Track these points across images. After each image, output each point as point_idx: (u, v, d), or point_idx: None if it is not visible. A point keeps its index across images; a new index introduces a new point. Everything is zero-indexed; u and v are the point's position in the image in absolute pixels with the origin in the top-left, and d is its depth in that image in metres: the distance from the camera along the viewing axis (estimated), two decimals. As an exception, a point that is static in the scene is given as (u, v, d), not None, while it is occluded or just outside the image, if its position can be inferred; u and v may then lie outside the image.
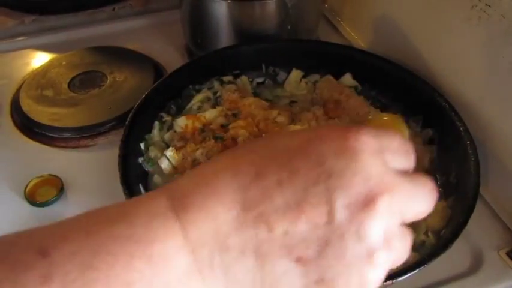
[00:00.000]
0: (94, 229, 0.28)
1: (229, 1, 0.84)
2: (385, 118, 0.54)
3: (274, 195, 0.28)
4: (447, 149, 0.70)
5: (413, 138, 0.74)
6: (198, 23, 0.92)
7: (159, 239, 0.27)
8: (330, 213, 0.27)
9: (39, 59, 1.01)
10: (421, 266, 0.53)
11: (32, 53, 1.03)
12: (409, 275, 0.53)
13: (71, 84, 0.91)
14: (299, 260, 0.27)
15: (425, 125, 0.75)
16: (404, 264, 0.56)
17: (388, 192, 0.28)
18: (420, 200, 0.32)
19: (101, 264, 0.26)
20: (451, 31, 0.73)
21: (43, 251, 0.26)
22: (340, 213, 0.27)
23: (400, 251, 0.30)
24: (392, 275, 0.54)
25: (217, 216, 0.27)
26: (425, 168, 0.71)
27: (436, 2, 0.74)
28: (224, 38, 0.89)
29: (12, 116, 0.88)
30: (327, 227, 0.27)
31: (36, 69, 0.96)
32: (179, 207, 0.28)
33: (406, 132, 0.52)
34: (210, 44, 0.90)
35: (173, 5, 1.05)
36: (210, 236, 0.27)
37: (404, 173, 0.32)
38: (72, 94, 0.90)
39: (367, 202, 0.28)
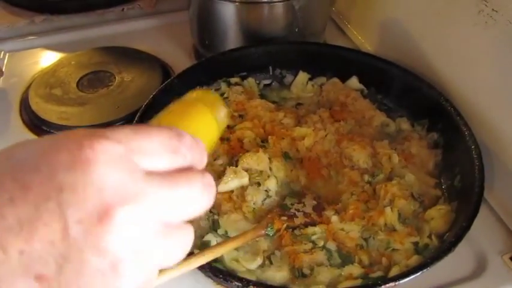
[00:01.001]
0: None
1: (237, 3, 0.84)
2: (193, 95, 0.50)
3: (6, 213, 0.26)
4: (452, 153, 0.70)
5: (418, 141, 0.74)
6: (205, 25, 0.92)
7: None
8: (64, 229, 0.26)
9: (48, 58, 1.02)
10: (424, 268, 0.54)
11: (42, 52, 1.04)
12: (411, 277, 0.53)
13: (79, 84, 0.92)
14: (39, 278, 0.26)
15: (431, 128, 0.75)
16: (407, 266, 0.57)
17: (128, 202, 0.27)
18: (183, 200, 0.30)
19: None
20: (457, 36, 0.73)
21: None
22: (74, 228, 0.26)
23: (159, 254, 0.29)
24: (395, 277, 0.54)
25: None
26: (429, 171, 0.71)
27: (443, 7, 0.74)
28: (232, 39, 0.90)
29: (21, 114, 0.89)
30: (63, 243, 0.26)
31: (46, 68, 0.97)
32: None
33: (208, 116, 0.46)
34: (218, 45, 0.91)
35: (181, 6, 1.06)
36: None
37: (169, 173, 0.30)
38: (81, 93, 0.90)
39: (101, 215, 0.26)
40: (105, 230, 0.26)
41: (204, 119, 0.46)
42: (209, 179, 0.32)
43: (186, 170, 0.31)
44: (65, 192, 0.26)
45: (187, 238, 0.31)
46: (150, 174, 0.29)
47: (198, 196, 0.31)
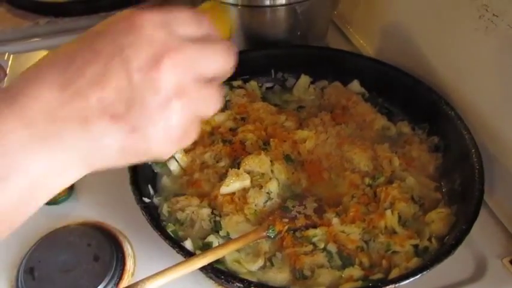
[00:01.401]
0: None
1: (239, 7, 0.85)
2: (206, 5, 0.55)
3: (85, 72, 0.34)
4: (452, 157, 0.71)
5: (419, 144, 0.75)
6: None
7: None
8: (128, 77, 0.34)
9: (52, 60, 1.03)
10: (424, 271, 0.54)
11: (46, 54, 1.05)
12: (411, 279, 0.54)
13: (82, 86, 0.93)
14: (113, 117, 0.34)
15: (431, 132, 0.76)
16: (407, 269, 0.58)
17: (172, 51, 0.35)
18: (210, 56, 0.37)
19: None
20: (458, 40, 0.73)
21: None
22: (136, 75, 0.34)
23: (199, 99, 0.37)
24: (395, 279, 0.55)
25: (44, 97, 0.34)
26: (430, 175, 0.72)
27: (445, 12, 0.75)
28: (234, 42, 0.90)
29: (25, 116, 0.89)
30: (128, 88, 0.34)
31: (50, 70, 0.98)
32: (13, 95, 0.34)
33: (224, 19, 0.55)
34: (221, 48, 0.92)
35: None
36: (41, 114, 0.34)
37: (197, 38, 0.38)
38: (84, 95, 0.91)
39: (155, 62, 0.34)
40: (158, 73, 0.34)
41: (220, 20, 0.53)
42: (228, 43, 0.40)
43: (211, 38, 0.39)
44: (126, 50, 0.34)
45: (218, 91, 0.39)
46: (185, 37, 0.37)
47: (224, 54, 0.38)
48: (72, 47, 0.36)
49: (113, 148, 0.36)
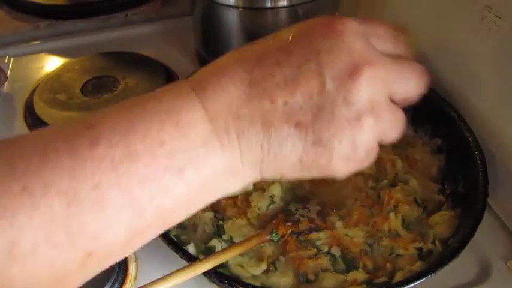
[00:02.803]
0: (128, 105, 0.34)
1: (240, 9, 0.85)
2: None
3: (274, 73, 0.33)
4: (455, 159, 0.71)
5: (422, 147, 0.75)
6: (209, 30, 0.93)
7: (184, 110, 0.33)
8: (321, 84, 0.32)
9: (53, 63, 1.03)
10: (428, 274, 0.54)
11: (46, 57, 1.05)
12: (416, 283, 0.54)
13: (83, 89, 0.93)
14: (298, 125, 0.33)
15: (434, 134, 0.75)
16: (411, 272, 0.57)
17: (371, 65, 0.33)
18: (406, 78, 0.36)
19: (138, 129, 0.32)
20: (461, 42, 0.73)
21: (90, 125, 0.32)
22: (330, 83, 0.32)
23: (388, 121, 0.35)
24: (400, 283, 0.54)
25: (229, 92, 0.33)
26: (433, 177, 0.71)
27: (447, 13, 0.75)
28: (235, 45, 0.90)
29: (25, 119, 0.90)
30: (319, 96, 0.32)
31: (50, 73, 0.98)
32: (199, 88, 0.34)
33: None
34: (221, 50, 0.90)
35: (185, 11, 1.07)
36: (225, 109, 0.33)
37: (392, 56, 0.36)
38: (85, 98, 0.91)
39: (352, 72, 0.32)
40: (354, 85, 0.33)
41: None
42: (424, 67, 0.39)
43: (404, 57, 0.38)
44: (323, 54, 0.33)
45: (403, 119, 0.37)
46: (382, 51, 0.36)
47: (419, 77, 0.37)
48: (262, 45, 0.35)
49: (291, 158, 0.34)
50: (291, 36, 0.34)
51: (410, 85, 0.37)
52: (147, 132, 0.32)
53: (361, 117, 0.33)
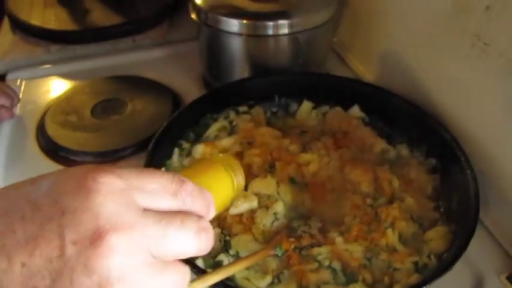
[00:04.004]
0: None
1: (244, 36, 0.89)
2: (215, 157, 0.56)
3: (16, 228, 0.30)
4: (449, 178, 0.74)
5: (417, 166, 0.78)
6: (214, 55, 0.97)
7: None
8: (61, 248, 0.30)
9: (63, 86, 1.07)
10: (423, 286, 0.57)
11: (57, 80, 1.09)
12: (412, 294, 0.56)
13: (93, 111, 0.97)
14: None
15: (429, 154, 0.79)
16: (407, 284, 0.60)
17: (120, 230, 0.30)
18: (173, 237, 0.33)
19: None
20: (453, 67, 0.77)
21: None
22: (70, 248, 0.29)
23: (153, 283, 0.32)
24: (397, 295, 0.57)
25: None
26: (428, 195, 0.75)
27: (439, 41, 0.79)
28: (239, 70, 0.94)
29: (37, 140, 0.93)
30: (59, 260, 0.30)
31: (61, 96, 1.02)
32: None
33: (223, 174, 0.54)
34: (226, 75, 0.96)
35: (190, 36, 1.11)
36: None
37: (165, 212, 0.34)
38: (95, 120, 0.95)
39: (94, 239, 0.30)
40: (96, 252, 0.30)
41: (219, 176, 0.53)
42: (205, 223, 0.35)
43: (183, 213, 0.35)
44: (66, 215, 0.30)
45: (178, 277, 0.34)
46: (147, 211, 0.33)
47: (190, 237, 0.34)
48: (16, 190, 0.32)
49: None
50: (43, 186, 0.32)
51: (181, 244, 0.33)
52: None
53: (105, 287, 0.30)
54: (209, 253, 0.65)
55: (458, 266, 0.59)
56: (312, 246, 0.67)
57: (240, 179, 0.58)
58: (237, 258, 0.65)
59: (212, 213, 0.38)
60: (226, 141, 0.80)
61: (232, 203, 0.69)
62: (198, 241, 0.35)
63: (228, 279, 0.60)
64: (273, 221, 0.70)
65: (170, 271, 0.33)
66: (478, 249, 0.68)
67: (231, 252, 0.66)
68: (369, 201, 0.72)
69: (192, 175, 0.50)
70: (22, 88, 1.06)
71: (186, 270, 0.35)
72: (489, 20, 0.68)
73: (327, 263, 0.65)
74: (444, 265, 0.59)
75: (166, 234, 0.33)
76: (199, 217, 0.36)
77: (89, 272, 0.29)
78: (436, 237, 0.67)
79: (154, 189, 0.34)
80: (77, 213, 0.30)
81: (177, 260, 0.34)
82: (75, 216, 0.30)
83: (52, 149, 0.90)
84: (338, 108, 0.87)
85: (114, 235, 0.30)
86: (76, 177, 0.32)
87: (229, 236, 0.68)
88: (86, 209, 0.30)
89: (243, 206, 0.70)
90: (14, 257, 0.29)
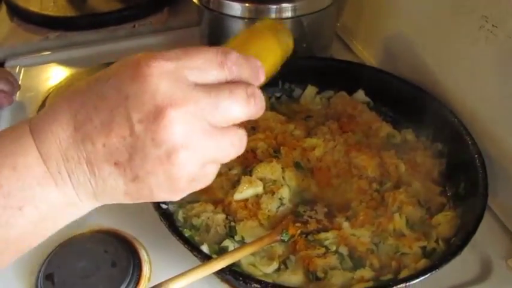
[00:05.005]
0: None
1: (246, 20, 0.87)
2: (259, 24, 0.55)
3: (92, 117, 0.35)
4: (456, 162, 0.73)
5: (423, 151, 0.77)
6: (216, 41, 0.95)
7: (20, 154, 0.36)
8: (131, 127, 0.35)
9: (62, 73, 1.05)
10: (432, 270, 0.56)
11: (56, 67, 1.07)
12: (420, 278, 0.56)
13: (93, 98, 0.95)
14: (116, 164, 0.36)
15: (435, 139, 0.78)
16: (415, 269, 0.60)
17: (175, 105, 0.34)
18: (225, 105, 0.37)
19: None
20: (460, 50, 0.76)
21: None
22: (138, 126, 0.34)
23: (213, 147, 0.37)
24: (405, 278, 0.57)
25: (58, 135, 0.36)
26: (434, 179, 0.74)
27: (445, 23, 0.78)
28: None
29: (38, 127, 0.91)
30: (131, 138, 0.35)
31: (60, 83, 1.01)
32: (35, 131, 0.37)
33: (269, 38, 0.53)
34: (228, 60, 0.94)
35: (191, 22, 1.10)
36: (55, 151, 0.36)
37: (213, 85, 0.37)
38: (95, 107, 0.93)
39: (156, 115, 0.34)
40: (159, 126, 0.34)
41: (265, 42, 0.52)
42: (254, 89, 0.39)
43: (232, 83, 0.38)
44: (129, 100, 0.35)
45: (235, 138, 0.38)
46: (198, 85, 0.36)
47: (240, 104, 0.37)
48: (88, 86, 0.37)
49: (117, 191, 0.37)
50: (107, 79, 0.36)
51: (232, 111, 0.37)
52: None
53: (171, 155, 0.35)
54: (213, 239, 0.66)
55: (465, 251, 0.58)
56: (318, 231, 0.66)
57: (286, 39, 0.57)
58: (243, 244, 0.64)
59: (262, 78, 0.41)
60: (229, 127, 0.79)
61: (236, 188, 0.69)
62: (248, 107, 0.38)
63: (234, 265, 0.59)
64: (279, 206, 0.69)
65: (226, 135, 0.37)
66: (485, 234, 0.67)
67: (237, 238, 0.65)
68: (375, 186, 0.72)
69: (238, 45, 0.50)
70: (21, 75, 1.04)
71: (242, 132, 0.39)
72: (498, 1, 0.66)
73: (334, 248, 0.64)
74: (452, 250, 0.59)
75: (218, 104, 0.36)
76: (248, 85, 0.39)
77: (156, 143, 0.35)
78: (444, 222, 0.67)
79: (201, 64, 0.37)
80: (138, 96, 0.34)
81: (233, 125, 0.38)
82: (136, 99, 0.34)
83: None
84: (342, 93, 0.86)
85: (171, 109, 0.34)
86: (131, 66, 0.35)
87: (235, 221, 0.67)
88: (145, 91, 0.34)
89: (248, 191, 0.69)
90: (96, 140, 0.35)
